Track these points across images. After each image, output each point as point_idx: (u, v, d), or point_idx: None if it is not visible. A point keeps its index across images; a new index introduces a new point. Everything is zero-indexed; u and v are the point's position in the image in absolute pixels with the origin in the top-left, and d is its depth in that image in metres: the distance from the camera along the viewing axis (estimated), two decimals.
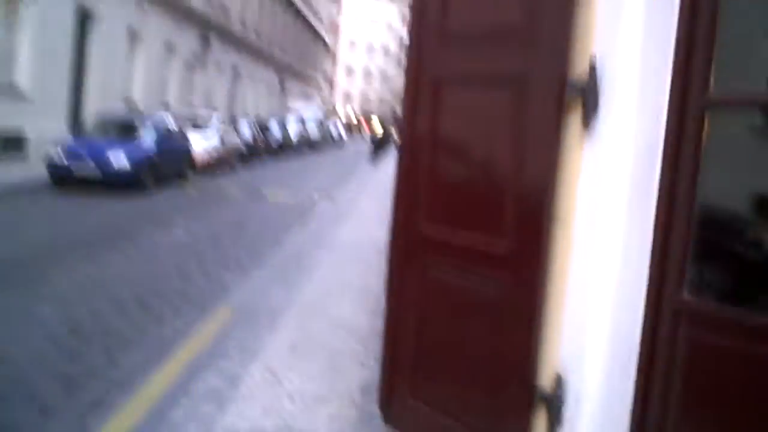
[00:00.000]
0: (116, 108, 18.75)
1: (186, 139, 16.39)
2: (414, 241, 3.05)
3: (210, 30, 26.82)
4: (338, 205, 13.13)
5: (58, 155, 12.79)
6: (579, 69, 2.45)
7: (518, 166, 2.61)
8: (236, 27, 31.43)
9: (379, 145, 27.91)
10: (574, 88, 2.44)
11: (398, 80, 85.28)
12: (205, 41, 25.92)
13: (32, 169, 14.15)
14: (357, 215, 11.70)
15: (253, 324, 5.11)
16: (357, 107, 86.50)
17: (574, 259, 2.52)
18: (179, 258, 7.71)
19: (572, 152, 2.49)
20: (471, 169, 2.92)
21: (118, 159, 12.77)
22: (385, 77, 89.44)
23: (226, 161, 19.90)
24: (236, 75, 32.57)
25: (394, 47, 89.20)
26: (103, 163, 12.70)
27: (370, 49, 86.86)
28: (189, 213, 11.30)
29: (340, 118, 76.17)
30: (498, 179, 2.76)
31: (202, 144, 17.99)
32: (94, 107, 17.81)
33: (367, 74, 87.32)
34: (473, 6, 2.86)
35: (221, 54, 29.28)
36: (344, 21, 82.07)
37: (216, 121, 20.11)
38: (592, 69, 2.43)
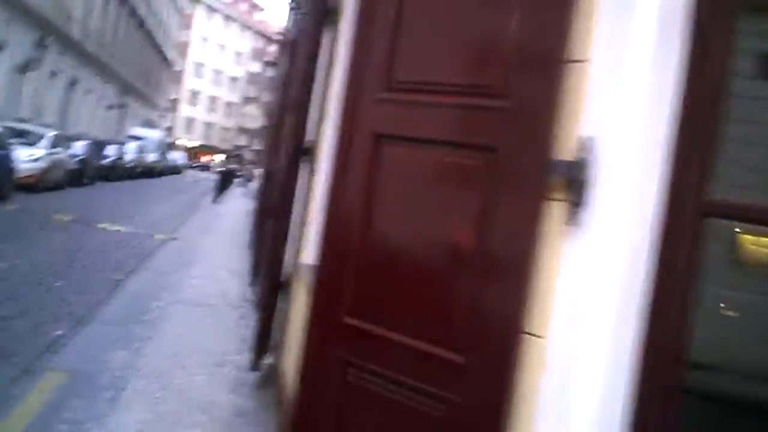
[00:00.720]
0: None
1: (9, 153, 14.60)
2: (332, 332, 2.59)
3: (48, 33, 24.60)
4: (182, 244, 12.19)
5: None
6: (564, 151, 2.13)
7: (481, 256, 2.20)
8: (77, 34, 29.16)
9: (222, 182, 26.88)
10: (559, 172, 2.09)
11: (244, 112, 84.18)
12: (41, 44, 23.69)
13: None
14: (204, 260, 10.89)
15: (92, 397, 4.31)
16: (200, 135, 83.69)
17: (547, 377, 2.16)
18: None
19: (551, 247, 2.15)
20: (416, 254, 2.44)
21: None
22: (230, 107, 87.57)
23: (55, 180, 18.05)
24: (73, 87, 30.13)
25: (242, 76, 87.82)
26: None
27: (217, 77, 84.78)
28: (7, 237, 9.90)
29: (181, 145, 73.37)
30: (453, 270, 2.32)
31: (27, 158, 16.16)
32: None
33: (213, 102, 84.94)
34: (432, 56, 2.46)
35: (58, 61, 26.94)
36: (193, 43, 79.74)
37: (47, 136, 18.21)
38: (582, 152, 2.05)
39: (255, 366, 5.39)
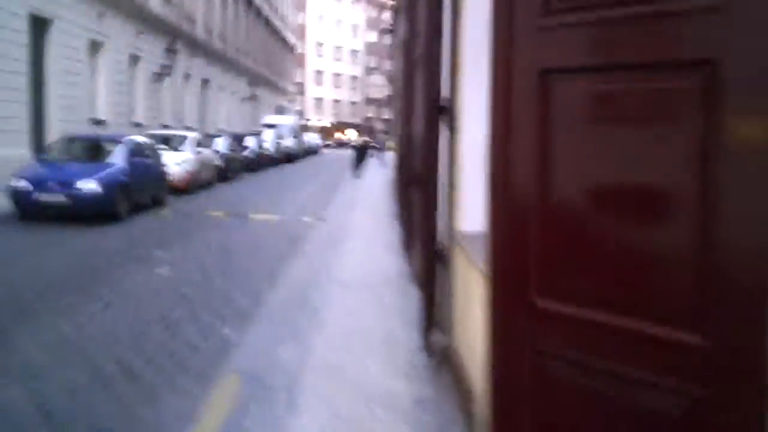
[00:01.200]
0: (82, 128, 17.59)
1: (159, 160, 15.31)
2: (522, 317, 2.17)
3: (176, 39, 25.66)
4: (331, 225, 12.20)
5: (22, 182, 11.68)
6: None
7: (709, 204, 1.68)
8: (202, 35, 30.27)
9: (359, 156, 27.04)
10: None
11: (368, 83, 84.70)
12: (171, 51, 24.77)
13: None
14: (354, 238, 10.80)
15: (268, 401, 4.18)
16: (329, 113, 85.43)
17: None
18: (165, 304, 6.73)
19: None
20: (617, 211, 1.93)
21: (88, 184, 11.68)
22: (354, 81, 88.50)
23: (203, 180, 18.86)
24: (206, 86, 31.42)
25: (361, 48, 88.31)
26: (71, 190, 11.60)
27: (338, 52, 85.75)
28: (169, 242, 10.30)
29: (313, 126, 75.28)
30: (671, 226, 1.80)
31: (177, 163, 16.94)
32: (57, 126, 16.59)
33: (337, 79, 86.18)
34: None
35: (189, 64, 28.12)
36: (310, 24, 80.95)
37: (191, 138, 19.03)
38: None
39: (425, 346, 5.10)
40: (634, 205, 1.90)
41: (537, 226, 2.09)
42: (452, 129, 4.97)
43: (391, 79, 26.38)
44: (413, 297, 6.87)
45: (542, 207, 2.07)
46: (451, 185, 5.05)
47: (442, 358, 4.89)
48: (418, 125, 7.20)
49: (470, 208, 4.54)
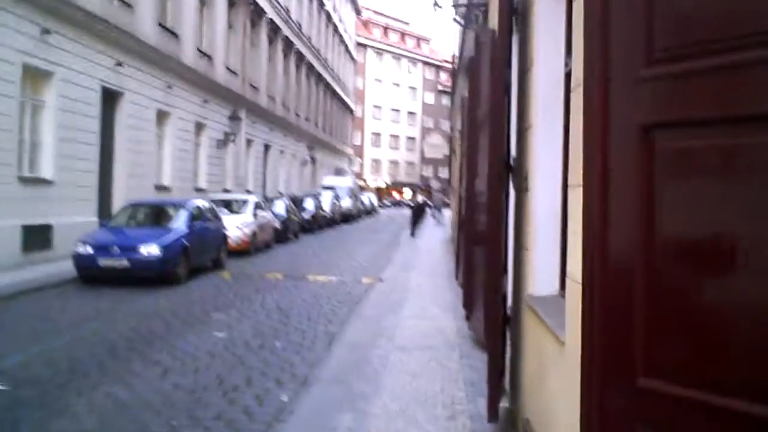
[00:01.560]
0: (148, 194, 18.03)
1: (220, 223, 15.49)
2: (623, 400, 1.88)
3: (239, 106, 26.40)
4: (389, 286, 11.97)
5: (85, 247, 11.91)
6: None
7: None
8: (265, 102, 31.10)
9: (416, 215, 26.93)
10: None
11: (426, 143, 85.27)
12: (234, 118, 25.46)
13: (58, 262, 13.31)
14: (413, 299, 10.53)
15: None
16: (386, 174, 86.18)
17: None
18: (222, 368, 6.57)
19: None
20: (746, 278, 1.61)
21: (150, 249, 11.81)
22: (412, 141, 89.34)
23: (261, 241, 19.00)
24: (267, 151, 32.11)
25: (418, 111, 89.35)
26: (133, 254, 11.76)
27: (395, 115, 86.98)
28: (227, 304, 10.23)
29: (370, 186, 76.01)
30: None
31: (237, 226, 17.14)
32: (123, 193, 17.05)
33: (394, 140, 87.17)
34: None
35: (251, 130, 28.83)
36: (369, 88, 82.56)
37: (251, 202, 19.29)
38: None
39: (492, 415, 4.75)
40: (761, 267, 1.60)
41: (641, 293, 1.82)
42: (522, 188, 4.76)
43: (449, 139, 26.40)
44: (477, 361, 6.55)
45: (648, 271, 1.81)
46: (521, 246, 4.79)
47: (507, 427, 4.54)
48: (483, 184, 7.00)
49: (542, 270, 4.27)
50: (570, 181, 3.13)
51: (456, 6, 8.78)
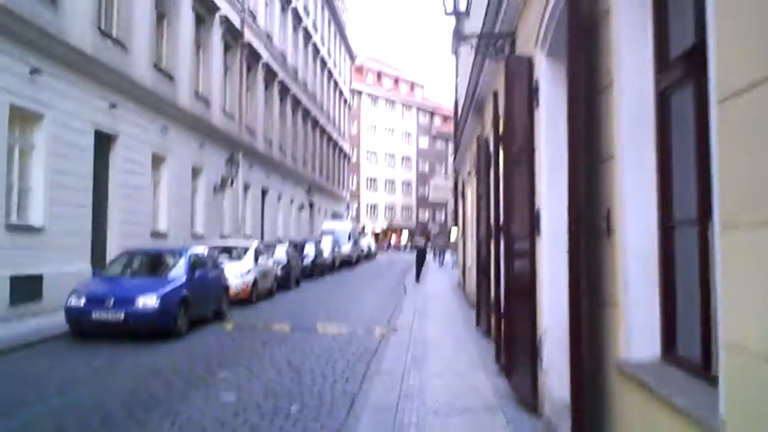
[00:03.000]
0: (143, 241, 17.21)
1: (221, 272, 14.67)
2: None
3: (236, 149, 25.77)
4: (405, 337, 11.11)
5: (78, 299, 11.07)
6: None
7: None
8: (262, 146, 30.51)
9: (420, 259, 26.14)
10: None
11: (429, 185, 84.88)
12: (232, 162, 24.79)
13: (49, 315, 12.45)
14: (436, 352, 9.68)
15: None
16: (383, 218, 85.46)
17: None
18: None
19: None
20: None
21: (147, 300, 10.97)
22: (407, 185, 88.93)
23: (263, 289, 18.14)
24: (264, 195, 31.40)
25: (413, 155, 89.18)
26: (129, 307, 10.91)
27: (390, 159, 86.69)
28: (233, 361, 9.37)
29: (367, 231, 75.41)
30: None
31: (237, 274, 16.32)
32: (117, 240, 16.21)
33: (390, 184, 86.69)
34: None
35: (248, 174, 28.16)
36: (364, 133, 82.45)
37: (252, 248, 18.48)
38: None
39: None
40: None
41: None
42: (598, 232, 4.03)
43: (455, 181, 25.84)
44: (526, 427, 5.74)
45: None
46: (599, 302, 4.04)
47: None
48: (523, 227, 6.27)
49: (637, 329, 3.51)
50: (724, 218, 2.40)
51: (480, 37, 8.17)
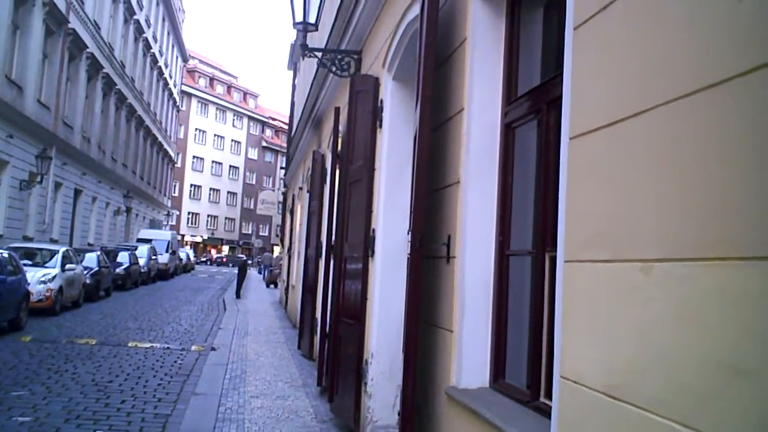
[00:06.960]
0: None
1: (23, 277, 13.25)
2: None
3: (49, 144, 23.61)
4: (224, 356, 10.64)
5: None
6: None
7: None
8: (79, 141, 28.23)
9: (241, 274, 25.40)
10: None
11: (256, 198, 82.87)
12: (43, 157, 22.65)
13: None
14: (256, 372, 9.34)
15: None
16: (204, 229, 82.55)
17: None
18: None
19: None
20: None
21: None
22: (233, 197, 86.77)
23: (70, 299, 16.64)
24: (78, 196, 29.07)
25: (241, 166, 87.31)
26: None
27: (217, 168, 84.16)
28: (31, 378, 8.42)
29: (187, 241, 72.65)
30: None
31: (40, 281, 14.83)
32: None
33: (215, 193, 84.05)
34: None
35: (61, 172, 25.91)
36: (191, 138, 79.51)
37: (60, 253, 16.89)
38: None
39: None
40: None
41: None
42: (434, 256, 4.03)
43: (284, 196, 25.54)
44: None
45: None
46: (434, 325, 4.03)
47: None
48: (358, 248, 6.21)
49: (470, 357, 3.52)
50: (568, 254, 2.42)
51: (325, 52, 8.11)
